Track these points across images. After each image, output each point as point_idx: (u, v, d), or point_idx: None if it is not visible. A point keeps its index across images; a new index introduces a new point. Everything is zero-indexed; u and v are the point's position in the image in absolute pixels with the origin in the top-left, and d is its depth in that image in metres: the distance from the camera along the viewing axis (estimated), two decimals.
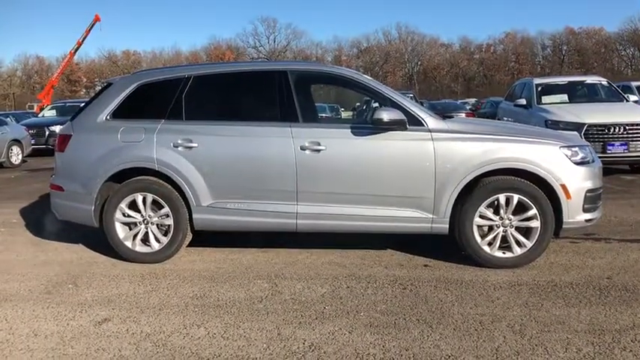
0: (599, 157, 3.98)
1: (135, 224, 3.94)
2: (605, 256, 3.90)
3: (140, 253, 3.95)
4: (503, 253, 3.67)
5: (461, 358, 2.40)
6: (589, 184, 3.63)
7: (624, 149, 7.04)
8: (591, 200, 3.65)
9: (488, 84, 62.25)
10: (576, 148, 3.70)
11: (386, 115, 3.60)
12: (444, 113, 4.47)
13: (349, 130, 3.76)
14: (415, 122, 3.69)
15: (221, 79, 4.06)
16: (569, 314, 2.85)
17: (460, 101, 31.04)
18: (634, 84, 12.82)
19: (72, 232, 4.70)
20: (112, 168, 3.88)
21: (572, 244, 4.23)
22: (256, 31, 69.11)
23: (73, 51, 42.29)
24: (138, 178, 3.92)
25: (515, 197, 3.58)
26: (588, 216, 3.65)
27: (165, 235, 3.93)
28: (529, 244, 3.62)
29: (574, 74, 38.84)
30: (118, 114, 4.02)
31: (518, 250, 3.64)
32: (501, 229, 3.64)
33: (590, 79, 9.14)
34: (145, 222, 3.92)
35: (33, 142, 12.86)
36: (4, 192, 7.88)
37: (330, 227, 3.80)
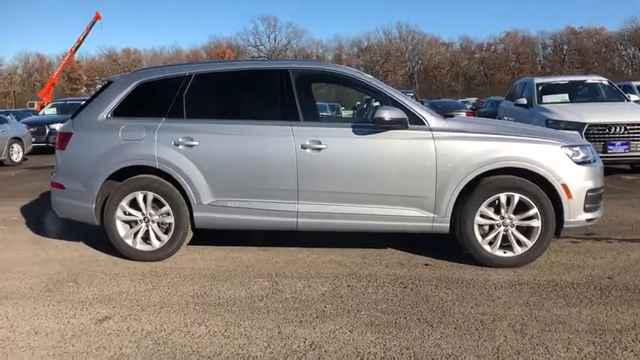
0: (600, 157, 3.98)
1: (136, 222, 3.94)
2: (606, 255, 3.90)
3: (141, 251, 3.95)
4: (504, 252, 3.66)
5: (462, 358, 2.39)
6: (590, 184, 3.62)
7: (625, 149, 7.03)
8: (592, 200, 3.64)
9: (488, 83, 62.25)
10: (577, 148, 3.69)
11: (387, 114, 3.60)
12: (444, 112, 4.46)
13: (350, 129, 3.75)
14: (416, 121, 3.69)
15: (222, 78, 4.06)
16: (570, 314, 2.85)
17: (460, 100, 31.04)
18: (635, 84, 12.82)
19: (72, 230, 4.70)
20: (113, 166, 3.87)
21: (573, 243, 4.22)
22: (257, 29, 69.14)
23: (73, 49, 42.31)
24: (139, 176, 3.92)
25: (517, 196, 3.58)
26: (589, 216, 3.64)
27: (166, 233, 3.93)
28: (530, 243, 3.62)
29: (575, 74, 38.86)
30: (119, 112, 4.02)
31: (519, 250, 3.64)
32: (502, 228, 3.64)
33: (591, 79, 9.13)
34: (146, 220, 3.92)
35: (33, 140, 12.85)
36: (5, 190, 7.88)
37: (330, 226, 3.80)
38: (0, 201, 6.77)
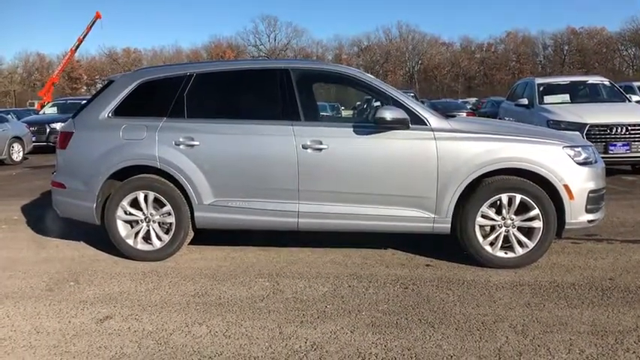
0: (601, 158, 3.97)
1: (137, 222, 3.94)
2: (607, 257, 3.89)
3: (142, 250, 3.95)
4: (505, 253, 3.66)
5: (463, 359, 2.39)
6: (592, 185, 3.62)
7: (626, 149, 7.03)
8: (594, 201, 3.64)
9: (488, 83, 62.25)
10: (579, 149, 3.69)
11: (389, 114, 3.59)
12: (445, 112, 4.46)
13: (351, 129, 3.75)
14: (418, 121, 3.69)
15: (223, 77, 4.06)
16: (572, 315, 2.85)
17: (461, 101, 31.02)
18: (636, 84, 12.83)
19: (73, 230, 4.70)
20: (114, 166, 3.87)
21: (574, 244, 4.22)
22: (257, 29, 69.12)
23: (73, 48, 42.30)
24: (140, 175, 3.92)
25: (518, 197, 3.58)
26: (591, 217, 3.64)
27: (166, 233, 3.93)
28: (531, 244, 3.61)
29: (575, 74, 38.84)
30: (120, 112, 4.01)
31: (520, 251, 3.63)
32: (503, 229, 3.63)
33: (592, 79, 9.12)
34: (147, 220, 3.92)
35: (34, 139, 12.84)
36: (6, 189, 7.88)
37: (331, 226, 3.80)
38: (1, 200, 6.77)
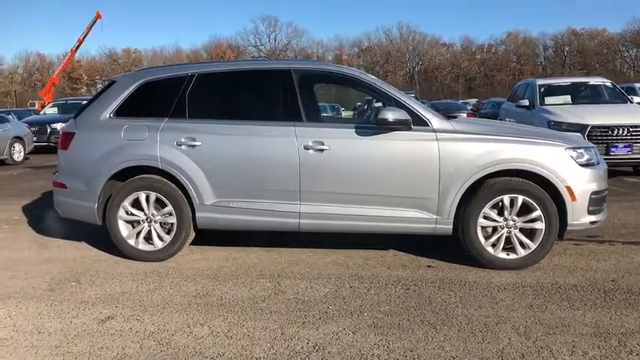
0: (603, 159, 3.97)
1: (138, 222, 3.94)
2: (609, 258, 3.89)
3: (143, 251, 3.94)
4: (507, 254, 3.65)
5: None
6: (594, 186, 3.62)
7: (628, 151, 7.02)
8: (596, 202, 3.63)
9: (489, 84, 62.26)
10: (582, 150, 3.69)
11: (391, 114, 3.59)
12: (446, 114, 4.45)
13: (353, 130, 3.74)
14: (420, 122, 3.68)
15: (225, 78, 4.05)
16: (574, 317, 2.84)
17: (461, 101, 31.02)
18: (637, 85, 12.82)
19: (74, 230, 4.69)
20: (115, 166, 3.87)
21: (576, 246, 4.22)
22: (257, 29, 69.11)
23: (74, 48, 42.31)
24: (141, 176, 3.91)
25: (520, 198, 3.57)
26: (593, 218, 3.64)
27: (168, 233, 3.93)
28: (533, 245, 3.61)
29: (576, 75, 38.84)
30: (121, 112, 4.01)
31: (522, 252, 3.63)
32: (505, 230, 3.63)
33: (593, 80, 9.11)
34: (148, 220, 3.92)
35: (35, 139, 12.84)
36: (7, 189, 7.88)
37: (332, 227, 3.79)
38: (2, 200, 6.77)
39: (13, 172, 10.22)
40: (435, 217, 3.65)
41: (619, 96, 8.49)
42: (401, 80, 64.27)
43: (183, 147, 3.81)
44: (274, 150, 3.76)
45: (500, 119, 9.81)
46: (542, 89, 8.60)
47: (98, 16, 39.75)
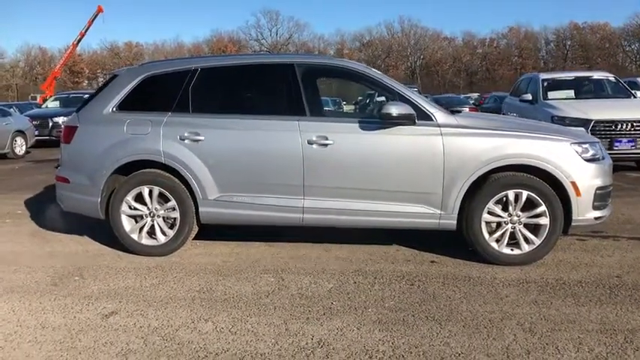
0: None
1: (141, 217, 3.93)
2: (613, 254, 3.87)
3: (146, 245, 3.94)
4: (511, 250, 3.64)
5: (471, 357, 2.38)
6: (599, 182, 3.59)
7: (631, 146, 6.98)
8: (601, 198, 3.61)
9: (490, 79, 62.04)
10: (587, 145, 3.66)
11: (395, 109, 3.56)
12: (448, 108, 4.42)
13: (357, 125, 3.72)
14: (424, 117, 3.66)
15: (228, 72, 4.02)
16: (580, 313, 2.83)
17: (463, 96, 30.92)
18: None
19: (77, 224, 4.69)
20: (119, 160, 3.85)
21: (580, 241, 4.20)
22: (259, 23, 68.85)
23: (75, 42, 42.17)
24: (144, 170, 3.90)
25: (525, 194, 3.55)
26: (598, 214, 3.62)
27: (171, 228, 3.91)
28: (537, 241, 3.59)
29: (578, 69, 38.66)
30: (125, 106, 3.99)
31: (526, 247, 3.61)
32: (510, 225, 3.61)
33: (597, 75, 9.05)
34: (152, 215, 3.90)
35: (36, 133, 12.83)
36: (9, 183, 7.87)
37: (336, 222, 3.78)
38: (4, 194, 6.77)
39: (14, 165, 10.21)
40: (439, 212, 3.63)
41: (622, 90, 8.44)
42: (402, 74, 64.01)
43: (186, 141, 3.79)
44: (278, 145, 3.73)
45: (503, 114, 9.76)
46: (545, 83, 8.54)
47: (100, 10, 39.58)
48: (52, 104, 16.54)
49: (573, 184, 3.53)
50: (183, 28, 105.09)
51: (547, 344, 2.48)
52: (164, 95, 3.97)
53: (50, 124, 13.79)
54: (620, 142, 7.01)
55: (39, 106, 19.41)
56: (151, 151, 3.82)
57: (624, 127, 7.01)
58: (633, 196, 5.93)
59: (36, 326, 2.75)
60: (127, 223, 3.92)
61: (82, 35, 41.23)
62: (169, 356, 2.42)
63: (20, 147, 11.76)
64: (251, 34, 68.16)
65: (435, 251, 3.96)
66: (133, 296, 3.16)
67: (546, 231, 3.57)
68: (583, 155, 3.60)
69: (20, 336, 2.64)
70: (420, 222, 3.68)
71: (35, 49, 65.73)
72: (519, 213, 3.60)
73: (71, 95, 17.33)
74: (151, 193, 3.88)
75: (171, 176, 3.85)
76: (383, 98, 5.91)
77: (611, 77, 8.74)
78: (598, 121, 7.06)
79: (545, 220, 3.56)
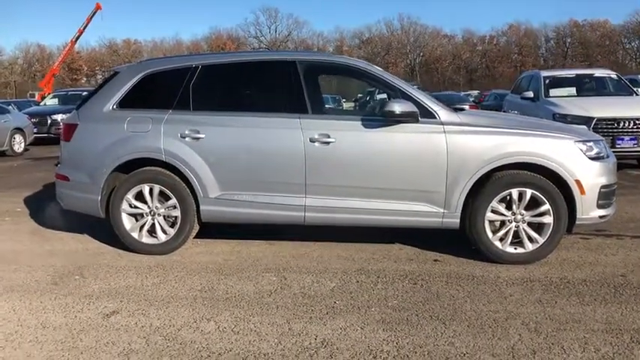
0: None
1: (141, 215, 3.90)
2: (617, 252, 3.85)
3: (147, 244, 3.91)
4: (515, 248, 3.62)
5: (476, 357, 2.36)
6: (603, 180, 3.57)
7: (634, 144, 6.96)
8: (606, 196, 3.59)
9: (490, 76, 61.94)
10: (591, 143, 3.63)
11: (397, 107, 3.53)
12: (449, 106, 4.38)
13: (359, 122, 3.69)
14: (427, 114, 3.63)
15: (229, 69, 3.99)
16: (585, 312, 2.81)
17: (463, 93, 30.85)
18: None
19: (76, 222, 4.66)
20: (119, 158, 3.82)
21: (583, 240, 4.18)
22: (257, 20, 68.60)
23: (74, 39, 42.03)
24: (145, 168, 3.87)
25: (529, 192, 3.53)
26: (602, 212, 3.59)
27: (172, 226, 3.89)
28: (541, 239, 3.57)
29: (578, 67, 38.59)
30: (125, 103, 3.96)
31: (529, 246, 3.59)
32: (513, 224, 3.59)
33: (598, 72, 9.02)
34: (152, 213, 3.87)
35: (35, 130, 12.76)
36: (7, 180, 7.83)
37: (338, 220, 3.75)
38: (3, 192, 6.73)
39: (13, 163, 10.17)
40: (442, 210, 3.61)
41: (624, 88, 8.41)
42: (402, 72, 63.86)
43: (187, 139, 3.76)
44: (279, 142, 3.70)
45: (504, 111, 9.73)
46: (546, 81, 8.51)
47: (98, 7, 39.43)
48: (51, 102, 16.48)
49: (577, 182, 3.50)
50: (182, 25, 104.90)
51: (553, 344, 2.45)
52: (165, 93, 3.94)
53: (49, 121, 13.72)
54: (622, 139, 6.98)
55: (37, 103, 19.36)
56: (152, 148, 3.79)
57: (626, 124, 6.99)
58: (636, 194, 5.91)
59: (37, 326, 2.73)
60: (127, 222, 3.89)
61: (81, 32, 41.10)
62: (172, 356, 2.40)
63: (19, 144, 11.71)
64: (250, 31, 68.00)
65: (437, 250, 3.94)
66: (134, 295, 3.14)
67: (550, 230, 3.55)
68: (587, 153, 3.57)
69: (21, 336, 2.62)
70: (423, 221, 3.66)
71: (34, 46, 65.51)
72: (523, 211, 3.57)
73: (70, 92, 17.28)
74: (151, 191, 3.85)
75: (172, 174, 3.82)
76: (383, 96, 5.87)
77: (613, 75, 8.71)
78: (600, 119, 7.04)
79: (549, 219, 3.54)
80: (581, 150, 3.56)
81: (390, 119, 3.58)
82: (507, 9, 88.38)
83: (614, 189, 3.72)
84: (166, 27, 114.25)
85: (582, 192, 3.51)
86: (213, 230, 4.30)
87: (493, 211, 3.58)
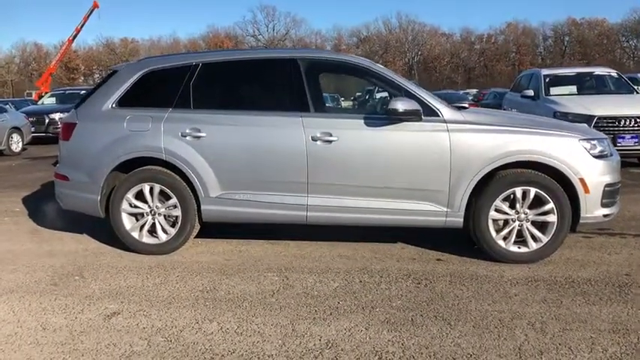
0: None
1: (142, 215, 3.86)
2: (621, 251, 3.83)
3: (147, 244, 3.87)
4: (518, 247, 3.59)
5: (483, 357, 2.33)
6: (608, 179, 3.55)
7: (635, 142, 6.95)
8: (610, 195, 3.57)
9: (488, 75, 61.98)
10: (595, 141, 3.61)
11: (401, 105, 3.50)
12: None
13: (362, 121, 3.66)
14: (430, 113, 3.59)
15: (230, 67, 3.95)
16: (591, 312, 2.78)
17: (462, 92, 30.84)
18: None
19: (76, 222, 4.61)
20: (119, 157, 3.78)
21: (586, 238, 4.16)
22: (255, 19, 68.49)
23: (71, 38, 41.88)
24: (145, 167, 3.83)
25: (532, 191, 3.50)
26: (606, 211, 3.57)
27: (172, 226, 3.85)
28: (545, 238, 3.55)
29: (576, 65, 38.61)
30: (124, 102, 3.91)
31: (533, 245, 3.56)
32: (517, 223, 3.56)
33: (599, 71, 9.01)
34: (153, 213, 3.84)
35: (33, 129, 12.69)
36: (5, 180, 7.77)
37: (341, 220, 3.72)
38: (1, 191, 6.68)
39: (11, 163, 10.10)
40: (445, 209, 3.58)
41: (624, 86, 8.40)
42: (400, 70, 63.77)
43: (187, 138, 3.72)
44: (281, 141, 3.67)
45: (505, 110, 9.71)
46: (547, 79, 8.49)
47: (95, 6, 39.32)
48: (49, 101, 16.38)
49: (582, 180, 3.48)
50: (180, 24, 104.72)
51: (560, 344, 2.43)
52: (165, 91, 3.90)
53: (47, 120, 13.65)
54: (624, 138, 6.97)
55: (35, 102, 19.26)
56: (152, 147, 3.75)
57: (627, 123, 6.98)
58: (637, 193, 5.89)
59: (36, 327, 2.69)
60: (127, 222, 3.85)
61: (78, 31, 40.97)
62: (175, 358, 2.36)
63: (16, 144, 11.64)
64: (248, 29, 67.86)
65: (440, 249, 3.91)
66: (135, 296, 3.10)
67: (554, 228, 3.52)
68: (591, 152, 3.55)
69: (20, 337, 2.58)
70: (426, 220, 3.63)
71: (30, 45, 65.28)
72: (527, 210, 3.55)
73: (67, 91, 17.19)
74: (151, 190, 3.81)
75: (173, 173, 3.78)
76: (383, 94, 5.83)
77: (613, 73, 8.69)
78: (601, 117, 7.02)
79: (553, 218, 3.51)
80: (585, 148, 3.53)
81: (393, 117, 3.55)
82: (505, 7, 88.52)
83: (618, 187, 3.69)
84: (163, 26, 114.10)
85: (586, 190, 3.48)
86: (214, 230, 4.27)
87: (497, 210, 3.56)
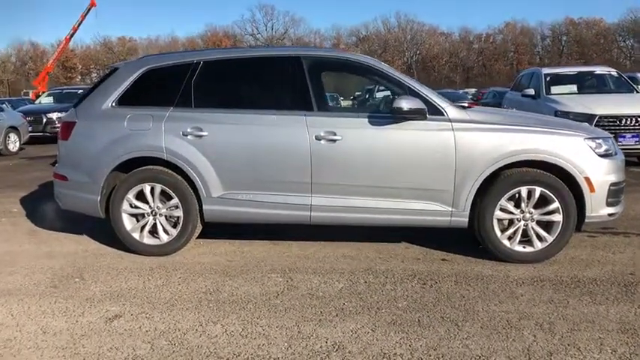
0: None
1: (143, 215, 3.81)
2: (625, 250, 3.81)
3: (148, 245, 3.82)
4: (524, 247, 3.56)
5: (492, 359, 2.30)
6: (613, 178, 3.52)
7: (636, 141, 6.93)
8: (615, 194, 3.54)
9: (487, 74, 62.05)
10: (600, 140, 3.58)
11: (406, 103, 3.46)
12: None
13: (366, 120, 3.62)
14: (435, 112, 3.56)
15: (232, 65, 3.90)
16: (598, 312, 2.75)
17: (461, 91, 30.83)
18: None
19: (75, 223, 4.56)
20: (119, 157, 3.73)
21: (590, 238, 4.13)
22: (254, 18, 68.46)
23: (68, 37, 41.70)
24: (146, 167, 3.78)
25: (538, 190, 3.47)
26: (611, 210, 3.55)
27: (174, 226, 3.80)
28: (550, 238, 3.52)
29: (574, 65, 38.63)
30: (125, 101, 3.86)
31: (538, 245, 3.53)
32: (522, 222, 3.53)
33: (599, 70, 8.99)
34: (154, 213, 3.79)
35: (30, 129, 12.61)
36: (2, 180, 7.70)
37: (345, 220, 3.68)
38: None
39: (8, 162, 10.02)
40: (450, 209, 3.55)
41: (625, 85, 8.38)
42: (399, 70, 63.42)
43: (189, 137, 3.68)
44: (284, 140, 3.63)
45: (505, 108, 9.67)
46: (547, 78, 8.46)
47: (92, 4, 39.13)
48: (46, 100, 16.29)
49: (587, 179, 3.45)
50: (178, 23, 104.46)
51: (569, 345, 2.40)
52: (166, 89, 3.85)
53: (44, 120, 13.54)
54: (624, 137, 6.95)
55: (32, 101, 19.15)
56: (153, 147, 3.70)
57: (629, 122, 6.96)
58: (639, 192, 5.86)
59: (36, 331, 2.64)
60: (128, 222, 3.80)
61: (75, 30, 40.79)
62: None
63: (14, 143, 11.56)
64: (246, 28, 67.75)
65: (444, 249, 3.88)
66: (137, 298, 3.06)
67: (559, 228, 3.50)
68: (597, 150, 3.52)
69: (20, 342, 2.53)
70: (431, 220, 3.59)
71: (27, 44, 65.01)
72: (532, 210, 3.52)
73: (65, 91, 17.07)
74: (152, 190, 3.76)
75: (174, 173, 3.74)
76: (384, 94, 5.79)
77: (614, 72, 8.67)
78: (602, 116, 7.00)
79: (558, 217, 3.49)
80: (590, 147, 3.51)
81: (398, 116, 3.51)
82: (504, 7, 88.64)
83: (623, 186, 3.67)
84: (162, 24, 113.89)
85: (592, 190, 3.46)
86: (215, 230, 4.22)
87: (502, 210, 3.53)
